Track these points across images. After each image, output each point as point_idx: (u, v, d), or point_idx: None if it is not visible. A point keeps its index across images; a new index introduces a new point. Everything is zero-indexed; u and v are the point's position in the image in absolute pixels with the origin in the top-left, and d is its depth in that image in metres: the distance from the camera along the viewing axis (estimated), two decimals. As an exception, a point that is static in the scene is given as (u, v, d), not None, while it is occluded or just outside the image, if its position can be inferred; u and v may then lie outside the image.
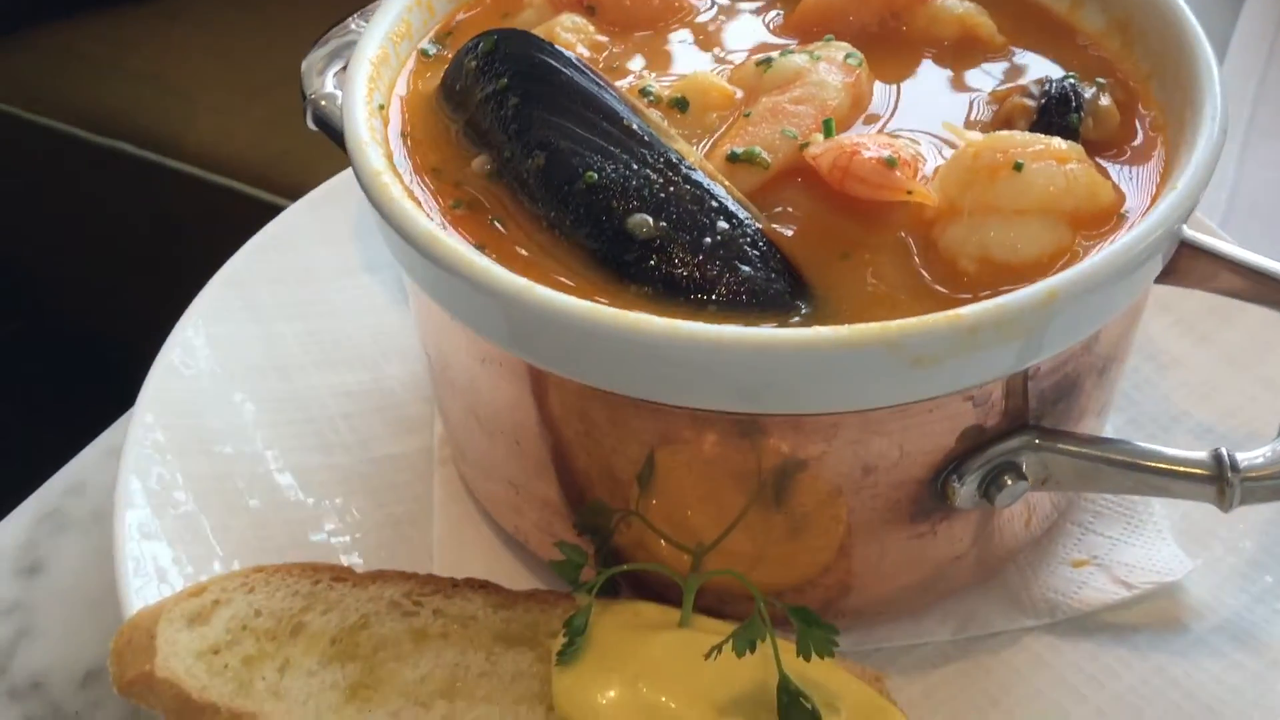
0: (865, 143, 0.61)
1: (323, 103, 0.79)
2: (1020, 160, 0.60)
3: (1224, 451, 0.58)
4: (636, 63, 0.74)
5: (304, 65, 0.82)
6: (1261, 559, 0.71)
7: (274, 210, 2.24)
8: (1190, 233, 0.65)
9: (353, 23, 0.84)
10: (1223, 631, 0.68)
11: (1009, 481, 0.61)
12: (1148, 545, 0.72)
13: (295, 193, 2.22)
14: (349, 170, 0.89)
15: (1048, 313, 0.54)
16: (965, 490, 0.61)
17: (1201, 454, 0.59)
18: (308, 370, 0.84)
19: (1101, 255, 0.56)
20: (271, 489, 0.77)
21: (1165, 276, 0.66)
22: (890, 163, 0.60)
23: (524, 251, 0.62)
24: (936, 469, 0.61)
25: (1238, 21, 1.20)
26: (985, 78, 0.71)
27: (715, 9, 0.79)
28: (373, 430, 0.82)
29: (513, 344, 0.59)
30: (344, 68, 0.81)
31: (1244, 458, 0.58)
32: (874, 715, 0.63)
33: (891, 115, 0.69)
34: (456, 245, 0.58)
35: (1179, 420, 0.80)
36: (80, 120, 2.45)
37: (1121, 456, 0.60)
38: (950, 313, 0.53)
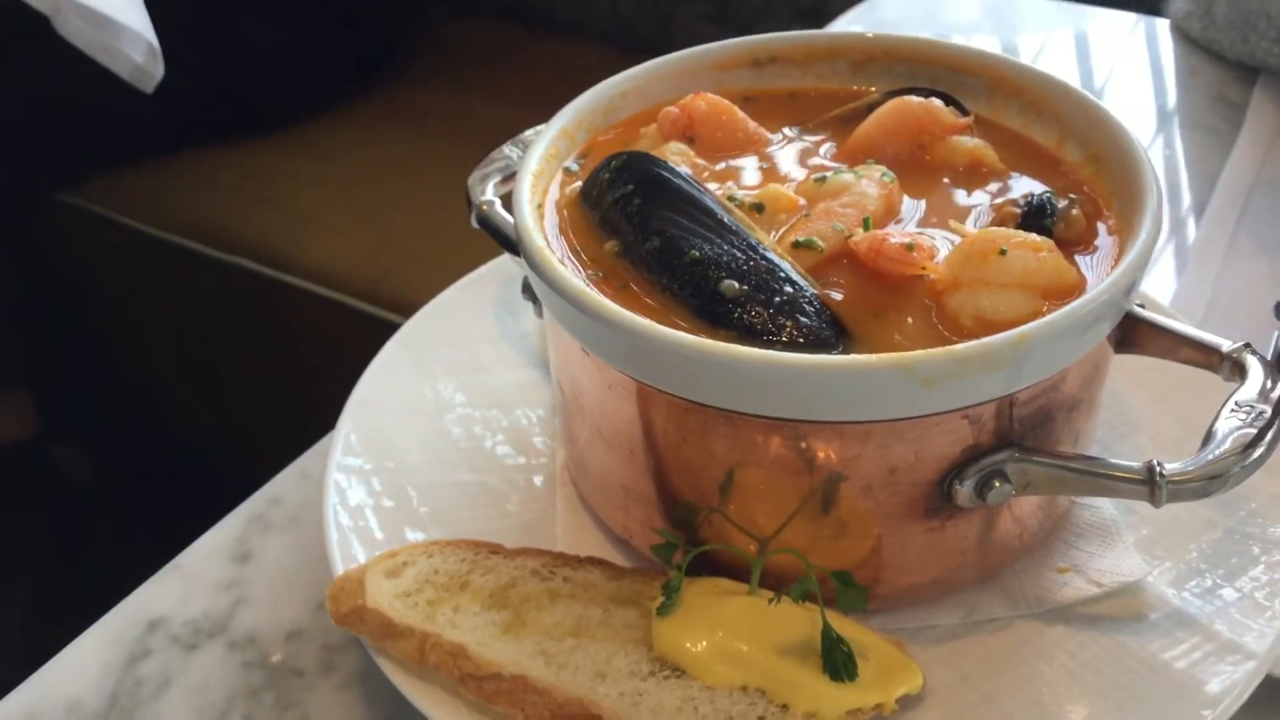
0: (892, 233, 0.84)
1: (485, 208, 1.03)
2: (1004, 247, 0.82)
3: (1154, 462, 0.79)
4: (724, 177, 0.98)
5: (469, 180, 1.07)
6: (1203, 567, 0.91)
7: (379, 322, 2.50)
8: (1144, 312, 0.87)
9: (505, 148, 1.09)
10: (1170, 618, 0.88)
11: (997, 485, 0.82)
12: (1116, 556, 0.92)
13: (398, 306, 2.49)
14: (491, 262, 1.14)
15: (1019, 350, 0.76)
16: (964, 491, 0.82)
17: (1138, 464, 0.80)
18: (459, 411, 1.07)
19: (1057, 314, 0.78)
20: (436, 495, 0.99)
21: (1130, 348, 0.89)
22: (909, 247, 0.83)
23: (643, 308, 0.85)
24: (943, 473, 0.82)
25: (1227, 162, 1.42)
26: (988, 193, 0.95)
27: (785, 142, 1.03)
28: (510, 457, 1.04)
29: (633, 368, 0.82)
30: (501, 180, 1.07)
31: (1169, 467, 0.78)
32: (895, 664, 0.83)
33: (916, 219, 0.93)
34: (597, 295, 0.81)
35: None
36: (206, 238, 2.69)
37: (1080, 466, 0.81)
38: (948, 347, 0.75)
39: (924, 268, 0.82)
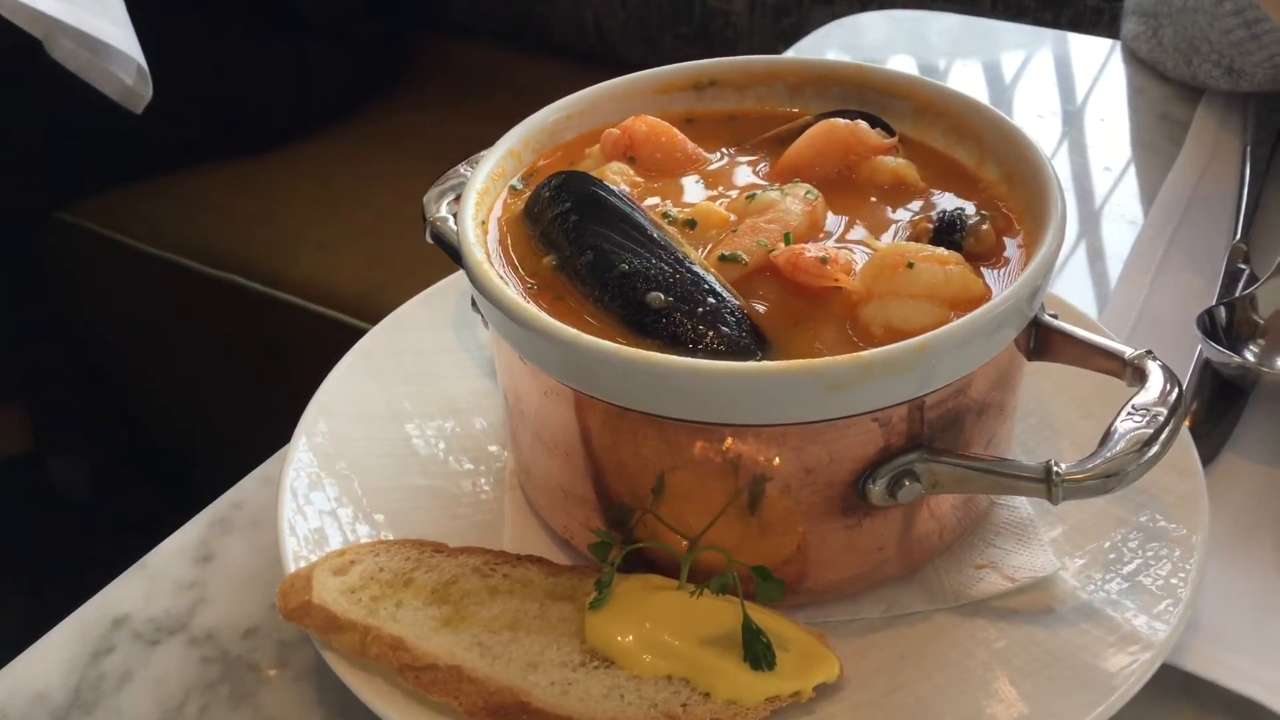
0: (809, 248, 0.90)
1: (438, 224, 1.08)
2: (912, 261, 0.87)
3: (1051, 462, 0.84)
4: (661, 194, 1.03)
5: (425, 198, 1.12)
6: (1112, 563, 0.96)
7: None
8: (1054, 320, 0.92)
9: (461, 168, 1.14)
10: (1077, 611, 0.92)
11: (907, 483, 0.87)
12: (1030, 553, 0.97)
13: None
14: (448, 278, 1.19)
15: (921, 356, 0.81)
16: (877, 490, 0.87)
17: (1036, 464, 0.84)
18: (415, 419, 1.13)
19: (959, 322, 0.83)
20: (389, 499, 1.04)
21: (1044, 354, 0.94)
22: (824, 260, 0.88)
23: (575, 318, 0.90)
24: (857, 473, 0.87)
25: (1164, 184, 1.48)
26: (908, 210, 1.00)
27: (723, 160, 1.09)
28: (461, 463, 1.09)
29: (566, 376, 0.87)
30: (454, 198, 1.12)
31: (1065, 467, 0.83)
32: (814, 655, 0.88)
33: (840, 234, 0.98)
34: (532, 307, 0.86)
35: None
36: (199, 255, 2.74)
37: (983, 466, 0.86)
38: (854, 354, 0.80)
39: (837, 280, 0.88)
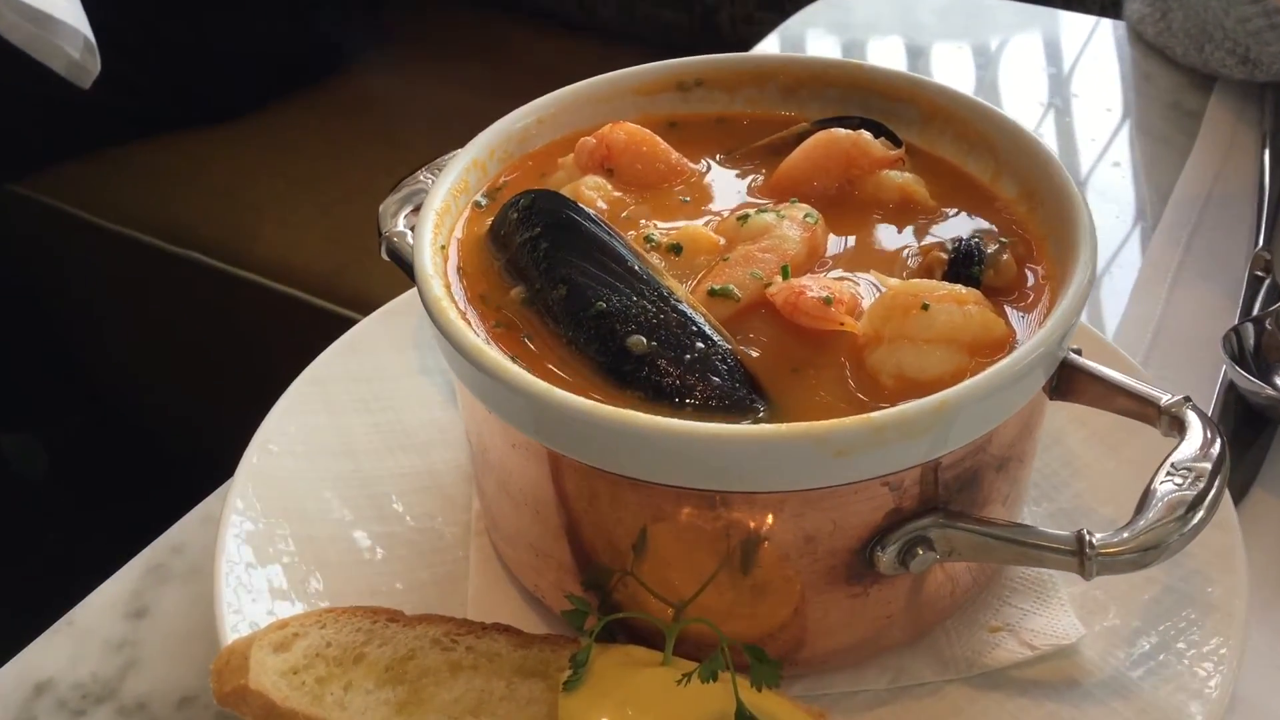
0: (810, 285, 0.79)
1: (395, 239, 0.98)
2: (927, 301, 0.77)
3: (1085, 532, 0.74)
4: (644, 214, 0.93)
5: (381, 207, 1.01)
6: (1142, 629, 0.87)
7: (334, 317, 2.44)
8: (1081, 360, 0.83)
9: (421, 174, 1.03)
10: (1105, 686, 0.84)
11: (921, 552, 0.77)
12: (1051, 615, 0.88)
13: (355, 301, 2.43)
14: (413, 290, 1.08)
15: (939, 418, 0.71)
16: (887, 558, 0.78)
17: (1067, 533, 0.75)
18: (371, 455, 1.02)
19: (982, 376, 0.73)
20: (340, 549, 0.94)
21: (1066, 395, 0.84)
22: (827, 301, 0.78)
23: (546, 363, 0.80)
24: (864, 540, 0.78)
25: (1177, 182, 1.38)
26: (917, 233, 0.90)
27: (709, 172, 0.98)
28: (422, 506, 0.99)
29: (536, 433, 0.77)
30: (414, 210, 1.01)
31: (1099, 537, 0.74)
32: (815, 740, 0.79)
33: (842, 262, 0.88)
34: (496, 356, 0.76)
35: (1087, 515, 0.96)
36: (157, 231, 2.63)
37: (1007, 534, 0.77)
38: (863, 416, 0.70)
39: (842, 323, 0.78)
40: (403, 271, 0.97)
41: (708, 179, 0.97)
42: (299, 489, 0.98)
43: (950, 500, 0.79)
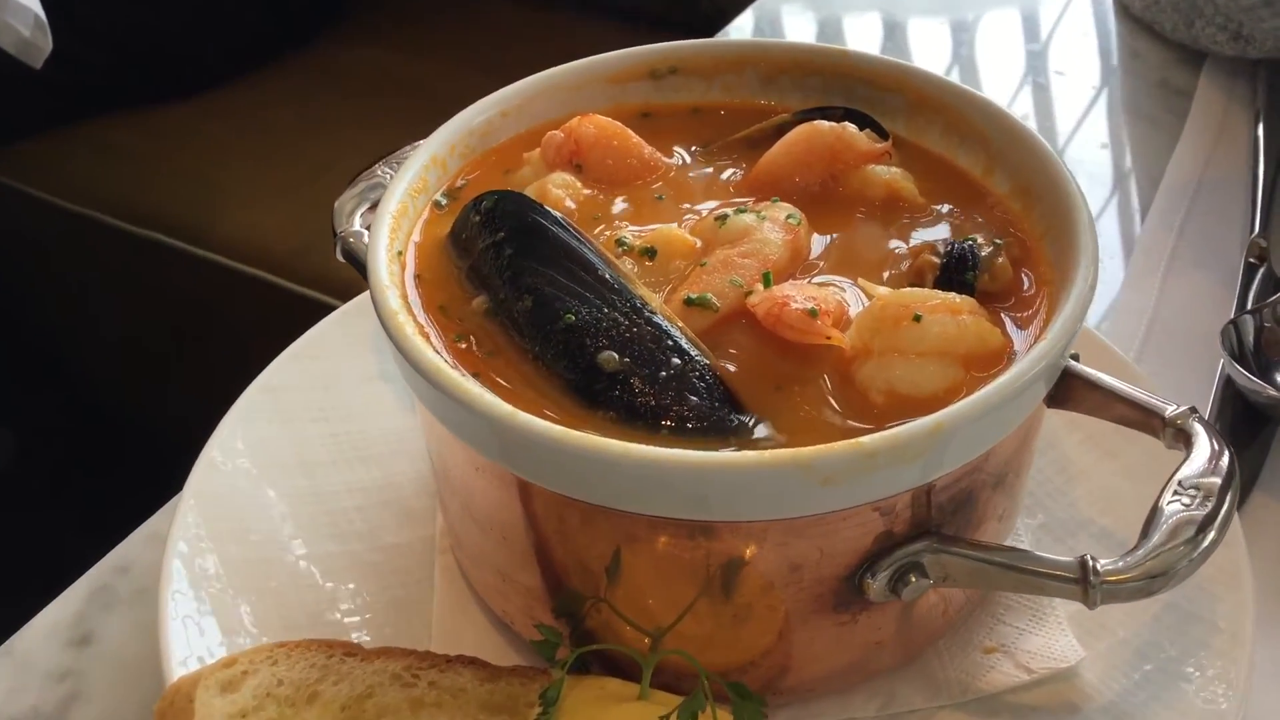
0: (794, 295, 0.74)
1: (350, 240, 0.92)
2: (919, 312, 0.72)
3: (1089, 558, 0.69)
4: (615, 213, 0.87)
5: (336, 205, 0.95)
6: (1144, 650, 0.82)
7: (301, 298, 2.36)
8: (1080, 367, 0.78)
9: (379, 169, 0.97)
10: (1106, 712, 0.79)
11: (914, 579, 0.72)
12: (1048, 635, 0.84)
13: (321, 282, 2.35)
14: (370, 294, 1.02)
15: (934, 440, 0.66)
16: (877, 585, 0.73)
17: (1069, 559, 0.70)
18: (328, 468, 0.96)
19: (979, 394, 0.68)
20: (295, 573, 0.89)
21: (1062, 403, 0.79)
22: (813, 313, 0.73)
23: (511, 380, 0.74)
24: (852, 567, 0.73)
25: (1168, 165, 1.33)
26: (905, 233, 0.84)
27: (685, 166, 0.92)
28: (383, 521, 0.94)
29: (500, 458, 0.71)
30: (370, 208, 0.95)
31: (1104, 564, 0.69)
32: (801, 776, 0.75)
33: (826, 265, 0.82)
34: (456, 376, 0.70)
35: (1084, 526, 0.92)
36: (116, 210, 2.56)
37: (1004, 560, 0.72)
38: (853, 441, 0.65)
39: (829, 337, 0.72)
40: (359, 274, 0.91)
41: (683, 174, 0.91)
42: (250, 509, 0.92)
43: (944, 523, 0.74)
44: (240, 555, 0.89)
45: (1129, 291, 1.19)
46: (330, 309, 1.08)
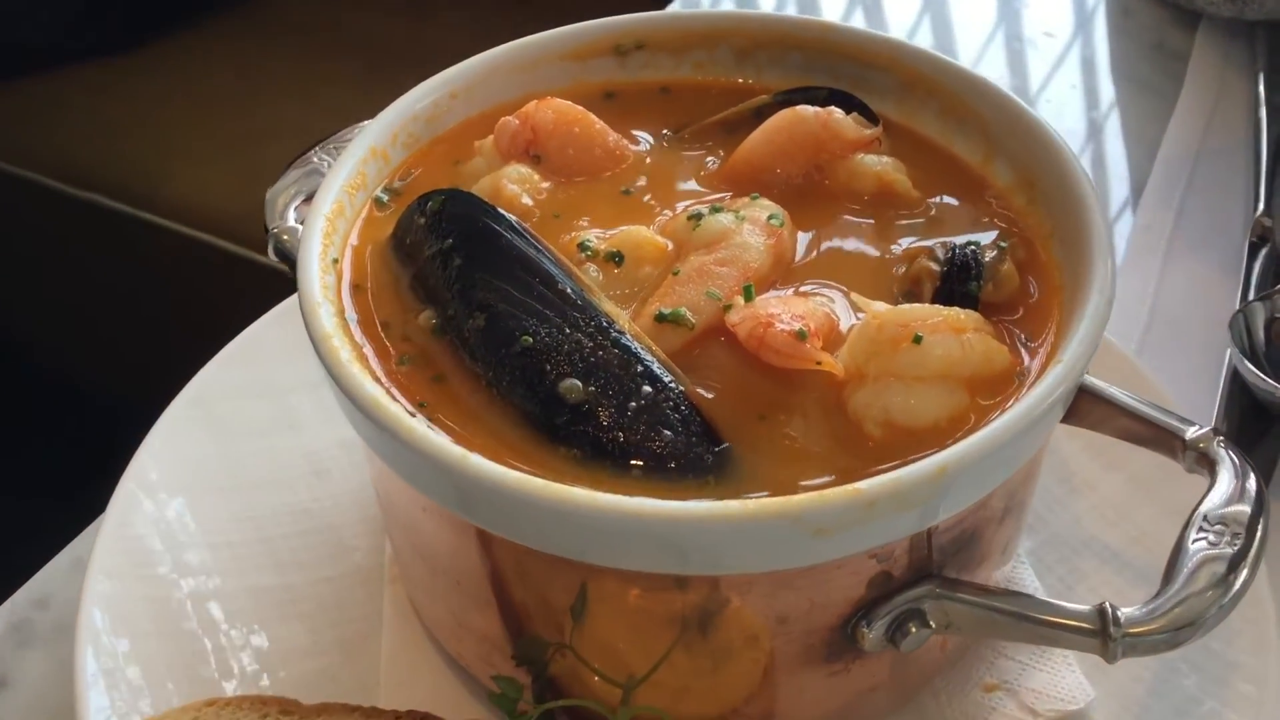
0: (779, 313, 0.66)
1: (285, 237, 0.82)
2: (920, 333, 0.64)
3: (1108, 607, 0.62)
4: (577, 210, 0.78)
5: (267, 196, 0.86)
6: (1159, 688, 0.76)
7: (250, 263, 2.25)
8: (1090, 379, 0.70)
9: (315, 154, 0.88)
10: (1120, 760, 0.73)
11: (914, 629, 0.65)
12: (1054, 671, 0.77)
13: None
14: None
15: (939, 485, 0.59)
16: (874, 635, 0.65)
17: (1086, 608, 0.63)
18: (266, 489, 0.88)
19: (989, 429, 0.60)
20: (228, 614, 0.80)
21: (1068, 418, 0.71)
22: (801, 335, 0.64)
23: (463, 411, 0.66)
24: (846, 617, 0.65)
25: (1164, 135, 1.25)
26: (898, 232, 0.76)
27: (654, 154, 0.84)
28: (326, 548, 0.85)
29: (452, 505, 0.63)
30: (306, 199, 0.86)
31: (1126, 614, 0.62)
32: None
33: (811, 269, 0.74)
34: (400, 413, 0.62)
35: (1088, 544, 0.85)
36: (55, 171, 2.44)
37: (1014, 608, 0.65)
38: (849, 487, 0.58)
39: (819, 362, 0.64)
40: (293, 277, 0.82)
41: (652, 164, 0.83)
42: (179, 538, 0.84)
43: (945, 564, 0.67)
44: (167, 595, 0.80)
45: (1127, 275, 1.11)
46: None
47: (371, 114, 0.83)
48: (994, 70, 1.39)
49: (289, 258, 0.83)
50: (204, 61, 2.63)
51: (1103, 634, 0.62)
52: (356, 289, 0.73)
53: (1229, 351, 1.00)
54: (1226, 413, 0.99)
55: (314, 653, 0.79)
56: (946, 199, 0.79)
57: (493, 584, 0.69)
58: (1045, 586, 0.82)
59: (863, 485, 0.58)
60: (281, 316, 0.98)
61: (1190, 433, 0.69)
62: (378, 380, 0.66)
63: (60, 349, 2.81)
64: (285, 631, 0.80)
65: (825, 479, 0.62)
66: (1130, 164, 1.27)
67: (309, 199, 0.84)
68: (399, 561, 0.81)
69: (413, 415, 0.63)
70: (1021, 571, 0.82)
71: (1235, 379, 1.00)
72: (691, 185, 0.81)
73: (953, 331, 0.65)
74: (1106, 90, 1.38)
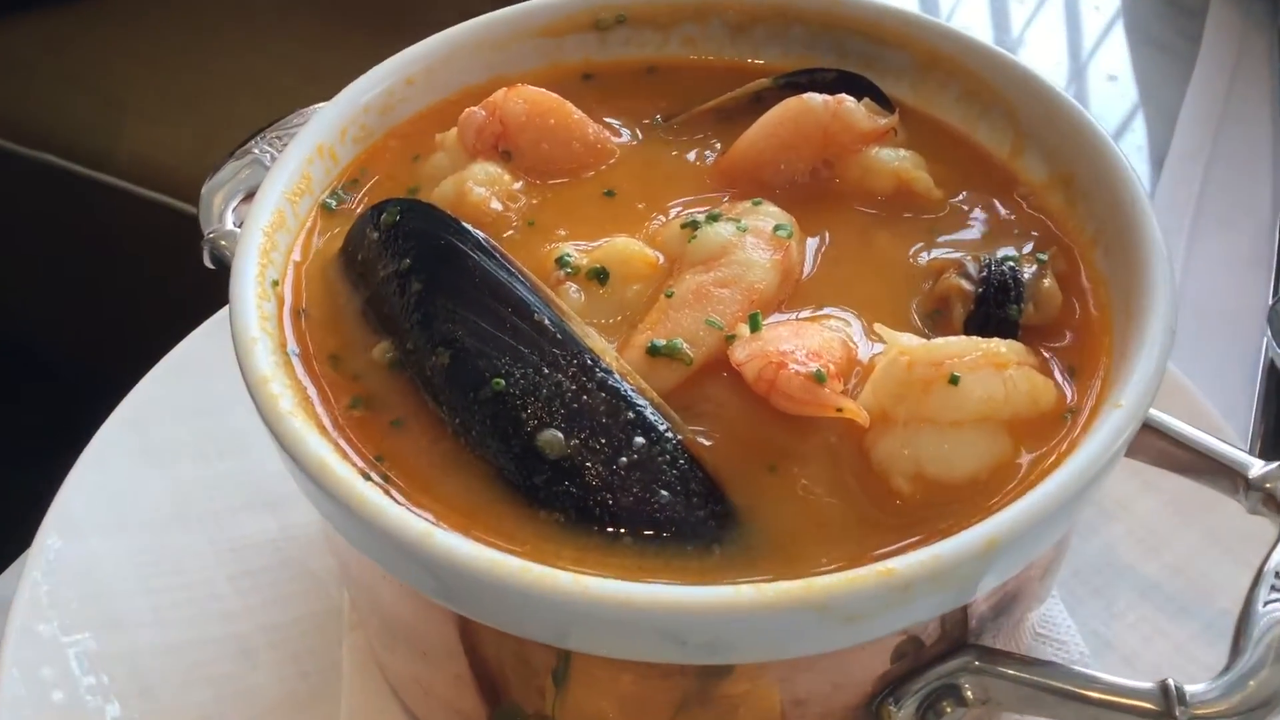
0: (791, 350, 0.57)
1: (222, 242, 0.73)
2: (956, 373, 0.55)
3: (1171, 684, 0.55)
4: (554, 217, 0.69)
5: (203, 192, 0.76)
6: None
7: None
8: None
9: (256, 145, 0.78)
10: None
11: (949, 709, 0.57)
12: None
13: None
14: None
15: (986, 562, 0.50)
16: (903, 715, 0.57)
17: (1148, 684, 0.55)
18: (208, 521, 0.79)
19: (1038, 493, 0.52)
20: (167, 669, 0.72)
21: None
22: (819, 378, 0.55)
23: (425, 466, 0.57)
24: (871, 695, 0.57)
25: (1184, 100, 1.17)
26: (922, 239, 0.67)
27: (641, 148, 0.74)
28: (278, 589, 0.77)
29: (413, 582, 0.54)
30: (246, 198, 0.76)
31: (1193, 691, 0.54)
32: None
33: (821, 286, 0.65)
34: (349, 478, 0.53)
35: (1123, 575, 0.77)
36: (2, 130, 2.34)
37: (1064, 684, 0.56)
38: (881, 568, 0.49)
39: (840, 409, 0.55)
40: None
41: (638, 159, 0.73)
42: (111, 584, 0.75)
43: (984, 632, 0.58)
44: (99, 649, 0.72)
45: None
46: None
47: (337, 71, 0.74)
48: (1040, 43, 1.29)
49: (226, 265, 0.73)
50: (160, 11, 2.51)
51: (1166, 715, 0.54)
52: (301, 316, 0.63)
53: (1265, 342, 0.92)
54: (1264, 411, 0.91)
55: (265, 713, 0.71)
56: (972, 198, 0.69)
57: (466, 656, 0.60)
58: (1078, 623, 0.75)
59: (897, 565, 0.49)
60: (219, 327, 0.88)
61: (1255, 471, 0.61)
62: (325, 432, 0.57)
63: (14, 313, 2.71)
64: (234, 688, 0.72)
65: (848, 548, 0.53)
66: (1148, 132, 1.18)
67: (249, 197, 0.74)
68: (358, 614, 0.72)
69: (367, 477, 0.55)
70: (1053, 609, 0.74)
71: (1273, 374, 0.92)
72: (683, 183, 0.71)
73: (992, 366, 0.56)
74: (1122, 52, 1.28)
